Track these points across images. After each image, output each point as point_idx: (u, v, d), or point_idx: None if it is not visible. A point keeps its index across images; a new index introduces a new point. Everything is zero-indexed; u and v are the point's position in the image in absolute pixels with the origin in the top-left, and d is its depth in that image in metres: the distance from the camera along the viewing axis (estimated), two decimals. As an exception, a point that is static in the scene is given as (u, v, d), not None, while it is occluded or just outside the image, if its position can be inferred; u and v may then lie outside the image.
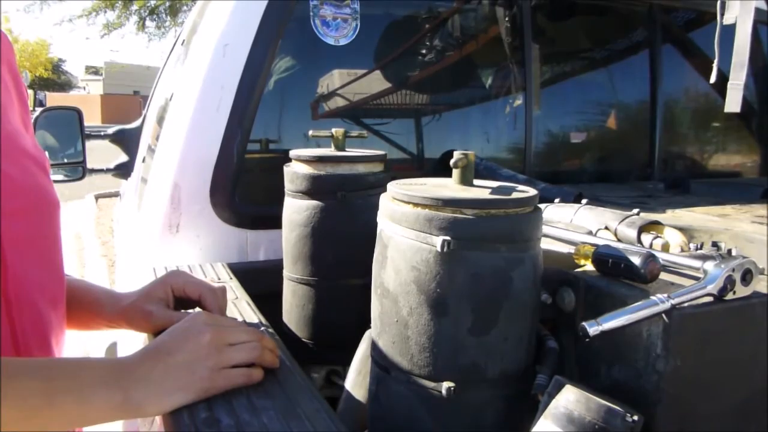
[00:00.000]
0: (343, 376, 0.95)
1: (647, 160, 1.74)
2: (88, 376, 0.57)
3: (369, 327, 0.78)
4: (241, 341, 0.65)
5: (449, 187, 0.68)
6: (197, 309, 0.82)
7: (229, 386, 0.62)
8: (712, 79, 1.36)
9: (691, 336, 0.60)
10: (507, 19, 1.67)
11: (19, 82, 0.69)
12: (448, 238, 0.60)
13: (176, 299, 0.80)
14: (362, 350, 0.90)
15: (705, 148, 1.93)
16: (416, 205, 0.63)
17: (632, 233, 0.91)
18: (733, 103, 1.27)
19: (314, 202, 0.99)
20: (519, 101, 1.68)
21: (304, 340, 1.04)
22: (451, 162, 0.67)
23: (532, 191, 0.66)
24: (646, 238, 0.90)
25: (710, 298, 0.61)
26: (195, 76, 1.29)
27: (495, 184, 0.70)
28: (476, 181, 0.70)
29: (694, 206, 1.14)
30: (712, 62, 1.38)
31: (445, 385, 0.62)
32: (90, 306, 0.80)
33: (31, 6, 9.30)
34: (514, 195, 0.64)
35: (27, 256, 0.62)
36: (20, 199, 0.61)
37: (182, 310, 0.81)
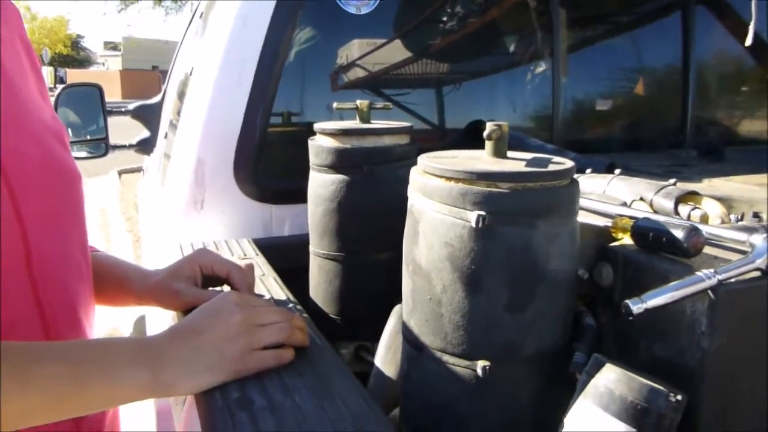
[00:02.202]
0: (372, 352, 0.94)
1: (679, 127, 1.68)
2: (116, 357, 0.57)
3: (397, 302, 0.77)
4: (271, 322, 0.64)
5: (482, 159, 0.65)
6: (225, 287, 0.82)
7: (259, 368, 0.62)
8: (748, 41, 1.30)
9: (738, 313, 0.57)
10: (533, -18, 1.62)
11: (32, 52, 0.67)
12: (483, 213, 0.58)
13: (204, 277, 0.80)
14: (391, 325, 0.89)
15: (739, 113, 1.87)
16: (449, 179, 0.61)
17: (669, 204, 0.88)
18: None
19: (340, 176, 0.97)
20: (546, 68, 1.63)
21: (332, 315, 1.03)
22: (485, 133, 0.64)
23: (569, 163, 0.64)
24: (684, 209, 0.87)
25: (758, 273, 0.58)
26: (215, 49, 1.27)
27: (529, 155, 0.68)
28: (510, 153, 0.68)
29: (730, 175, 1.10)
30: (748, 24, 1.33)
31: (480, 364, 0.61)
32: (119, 282, 0.80)
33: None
34: (551, 167, 0.62)
35: (50, 232, 0.61)
36: (40, 175, 0.60)
37: (210, 288, 0.81)
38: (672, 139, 1.68)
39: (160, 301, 0.78)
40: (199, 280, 0.79)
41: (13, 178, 0.56)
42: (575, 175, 0.98)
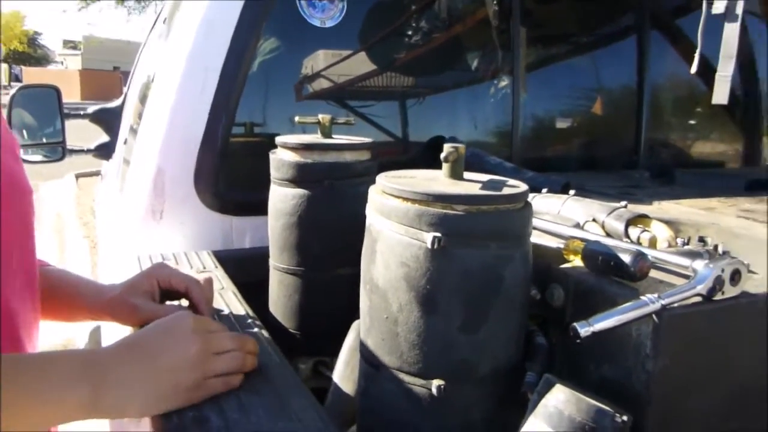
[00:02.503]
0: (331, 367, 0.94)
1: (633, 148, 1.74)
2: (56, 374, 0.54)
3: (357, 317, 0.78)
4: (226, 350, 0.63)
5: (439, 180, 0.67)
6: (183, 301, 0.81)
7: (209, 395, 0.61)
8: (694, 68, 1.35)
9: (681, 336, 0.60)
10: (495, 2, 1.65)
11: None
12: (438, 234, 0.59)
13: (162, 291, 0.79)
14: (350, 341, 0.90)
15: (690, 136, 1.94)
16: (406, 199, 0.62)
17: (620, 226, 0.91)
18: (720, 94, 1.27)
19: (301, 191, 0.97)
20: (506, 86, 1.67)
21: (291, 330, 1.03)
22: (442, 156, 0.66)
23: (522, 187, 0.66)
24: (634, 231, 0.90)
25: (699, 298, 0.61)
26: (178, 56, 1.26)
27: (485, 177, 0.70)
28: (466, 174, 0.69)
29: (680, 198, 1.15)
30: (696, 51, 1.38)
31: (435, 383, 0.62)
32: (70, 297, 0.78)
33: (6, -23, 9.02)
34: (505, 190, 0.63)
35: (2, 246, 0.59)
36: None
37: (168, 303, 0.80)
38: (626, 160, 1.74)
39: (116, 317, 0.77)
40: (157, 294, 0.79)
41: None
42: (531, 195, 1.01)
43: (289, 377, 0.67)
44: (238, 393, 0.62)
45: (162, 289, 0.79)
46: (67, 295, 0.77)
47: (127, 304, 0.75)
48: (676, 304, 0.58)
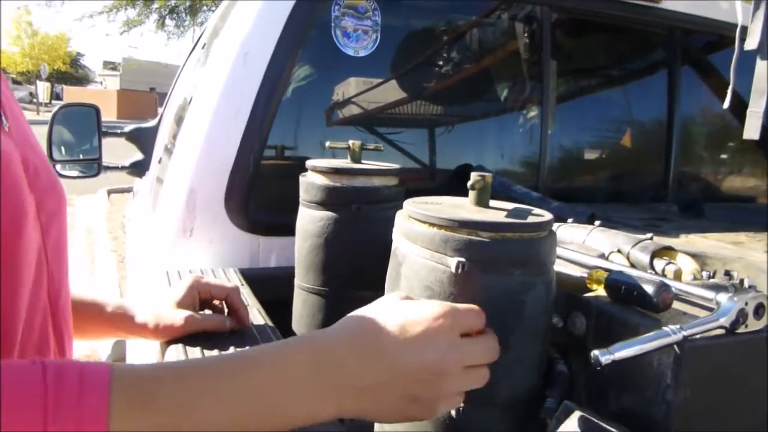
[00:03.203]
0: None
1: (662, 181, 1.73)
2: (287, 390, 0.47)
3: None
4: (480, 362, 0.54)
5: (465, 207, 0.68)
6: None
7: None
8: (726, 104, 1.36)
9: (702, 368, 0.60)
10: (526, 34, 1.68)
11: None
12: (462, 259, 0.60)
13: (201, 302, 0.81)
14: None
15: (720, 170, 1.92)
16: (432, 225, 0.63)
17: (645, 258, 0.91)
18: (751, 130, 1.26)
19: (328, 213, 0.99)
20: (535, 117, 1.68)
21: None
22: (469, 183, 0.67)
23: (547, 215, 0.67)
24: (659, 263, 0.90)
25: (722, 331, 0.61)
26: (215, 82, 1.30)
27: (510, 206, 0.71)
28: (492, 202, 0.71)
29: (707, 232, 1.14)
30: (729, 85, 1.38)
31: (454, 406, 0.62)
32: (107, 318, 0.78)
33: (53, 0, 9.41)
34: (530, 219, 0.64)
35: (58, 257, 0.57)
36: (50, 195, 0.55)
37: (212, 313, 0.82)
38: (654, 193, 1.73)
39: (159, 332, 0.78)
40: (197, 305, 0.81)
41: (35, 191, 0.52)
42: (556, 225, 1.01)
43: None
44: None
45: (201, 299, 0.81)
46: (102, 316, 0.78)
47: (176, 317, 0.77)
48: (698, 336, 0.58)
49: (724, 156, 1.94)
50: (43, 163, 0.55)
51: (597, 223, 1.03)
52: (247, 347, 0.58)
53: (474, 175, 0.67)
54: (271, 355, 0.49)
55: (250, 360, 0.48)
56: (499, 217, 0.64)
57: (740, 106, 1.36)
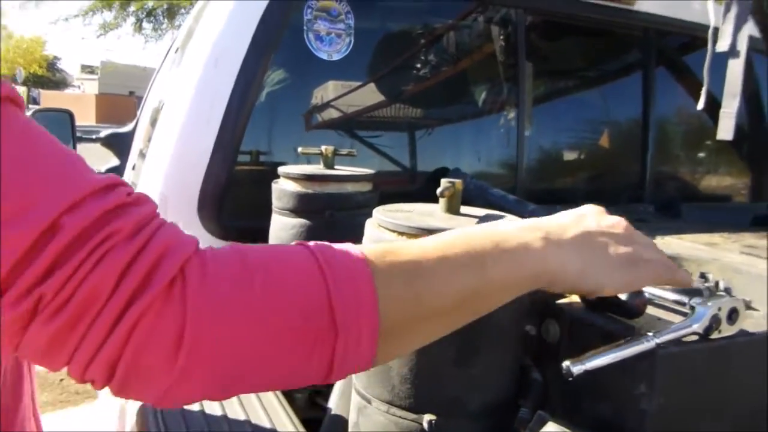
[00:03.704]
0: (326, 398, 0.93)
1: (639, 182, 1.74)
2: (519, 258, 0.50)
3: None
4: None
5: (435, 215, 0.67)
6: None
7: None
8: (700, 105, 1.36)
9: (676, 375, 0.59)
10: (501, 37, 1.68)
11: None
12: (432, 268, 0.59)
13: None
14: (345, 372, 0.89)
15: (696, 170, 1.94)
16: (401, 233, 0.62)
17: (620, 261, 0.90)
18: (725, 131, 1.27)
19: (301, 220, 0.98)
20: (511, 119, 1.68)
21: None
22: (438, 191, 0.66)
23: (518, 221, 0.66)
24: (634, 266, 0.90)
25: (695, 336, 0.60)
26: (186, 88, 1.28)
27: (482, 212, 0.70)
28: (464, 208, 0.70)
29: (683, 232, 1.14)
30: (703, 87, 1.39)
31: (427, 418, 0.61)
32: None
33: (26, 2, 9.27)
34: (501, 226, 0.63)
35: None
36: None
37: None
38: (632, 193, 1.74)
39: None
40: None
41: None
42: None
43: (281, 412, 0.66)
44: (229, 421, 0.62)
45: None
46: None
47: None
48: (671, 342, 0.58)
49: (700, 155, 1.95)
50: None
51: (572, 226, 1.03)
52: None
53: (443, 182, 0.66)
54: (494, 232, 0.51)
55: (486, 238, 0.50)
56: (470, 224, 0.63)
57: (714, 106, 1.37)
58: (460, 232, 0.51)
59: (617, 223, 0.57)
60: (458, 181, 0.67)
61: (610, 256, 0.54)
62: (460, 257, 0.47)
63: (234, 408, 0.64)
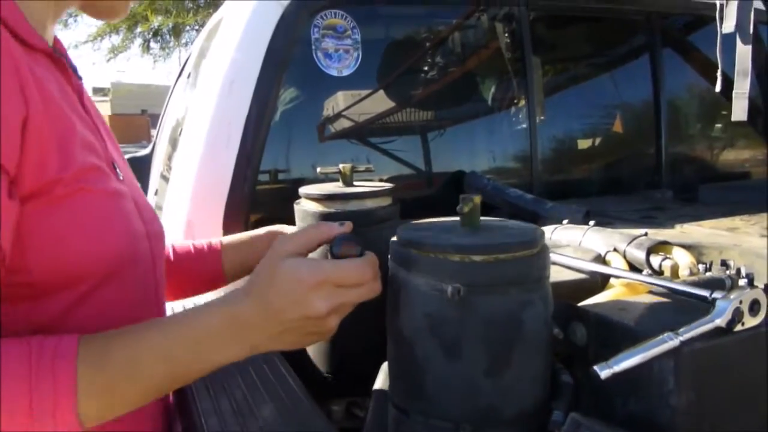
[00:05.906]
0: (363, 407, 0.96)
1: (655, 167, 1.74)
2: (208, 343, 0.63)
3: (385, 359, 0.80)
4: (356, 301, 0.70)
5: (456, 231, 0.69)
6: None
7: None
8: (718, 87, 1.36)
9: (702, 369, 0.61)
10: (506, 33, 1.69)
11: None
12: (458, 285, 0.61)
13: None
14: (380, 381, 0.92)
15: (712, 149, 1.93)
16: (425, 252, 0.64)
17: (641, 255, 0.92)
18: (739, 111, 1.27)
19: (326, 239, 1.00)
20: (522, 113, 1.69)
21: (322, 373, 1.05)
22: (458, 207, 0.68)
23: (538, 231, 0.68)
24: (655, 259, 0.91)
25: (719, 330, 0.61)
26: (203, 115, 1.31)
27: (501, 222, 0.72)
28: (483, 219, 0.72)
29: (702, 218, 1.15)
30: (712, 63, 1.39)
31: (464, 427, 0.63)
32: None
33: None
34: (521, 237, 0.65)
35: (161, 273, 0.82)
36: (156, 225, 0.80)
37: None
38: (648, 179, 1.74)
39: None
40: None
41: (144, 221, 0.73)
42: (552, 227, 1.02)
43: (320, 421, 0.69)
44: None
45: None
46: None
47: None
48: (695, 338, 0.59)
49: (714, 134, 1.95)
50: (146, 201, 0.79)
51: (591, 223, 1.04)
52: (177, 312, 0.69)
53: (462, 198, 0.68)
54: (196, 319, 0.64)
55: (181, 322, 0.63)
56: (491, 238, 0.65)
57: (728, 86, 1.37)
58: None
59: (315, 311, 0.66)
60: (477, 197, 0.69)
61: (297, 339, 0.68)
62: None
63: (268, 414, 0.67)
